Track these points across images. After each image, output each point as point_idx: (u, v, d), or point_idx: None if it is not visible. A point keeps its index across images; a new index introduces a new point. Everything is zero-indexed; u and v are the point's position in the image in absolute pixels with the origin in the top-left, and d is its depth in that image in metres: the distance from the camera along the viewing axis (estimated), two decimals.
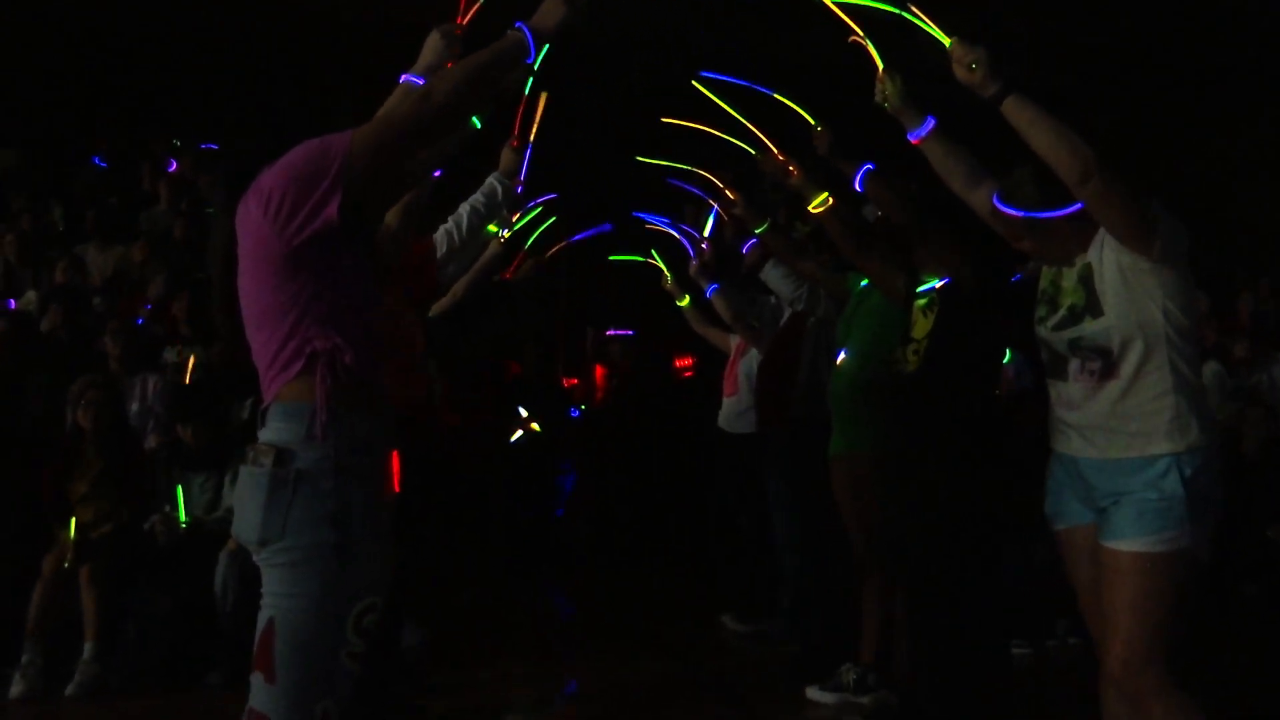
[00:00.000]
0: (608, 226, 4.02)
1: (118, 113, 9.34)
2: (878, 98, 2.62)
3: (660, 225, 4.70)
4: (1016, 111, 2.23)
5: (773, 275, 4.23)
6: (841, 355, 3.71)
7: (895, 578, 3.49)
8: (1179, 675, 2.20)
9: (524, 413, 6.82)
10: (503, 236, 3.89)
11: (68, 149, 8.90)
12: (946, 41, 2.31)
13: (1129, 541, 2.20)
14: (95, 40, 9.00)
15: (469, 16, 2.31)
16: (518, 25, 1.97)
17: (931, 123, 2.57)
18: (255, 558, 1.81)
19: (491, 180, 3.30)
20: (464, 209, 3.31)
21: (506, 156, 3.31)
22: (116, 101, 9.40)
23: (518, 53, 1.95)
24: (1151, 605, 2.17)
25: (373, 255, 1.96)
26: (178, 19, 8.75)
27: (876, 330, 3.58)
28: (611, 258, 4.97)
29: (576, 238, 4.24)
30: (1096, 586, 2.29)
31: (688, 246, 4.72)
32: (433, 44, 2.28)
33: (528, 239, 4.34)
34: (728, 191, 4.06)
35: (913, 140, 2.60)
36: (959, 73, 2.29)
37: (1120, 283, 2.26)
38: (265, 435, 1.82)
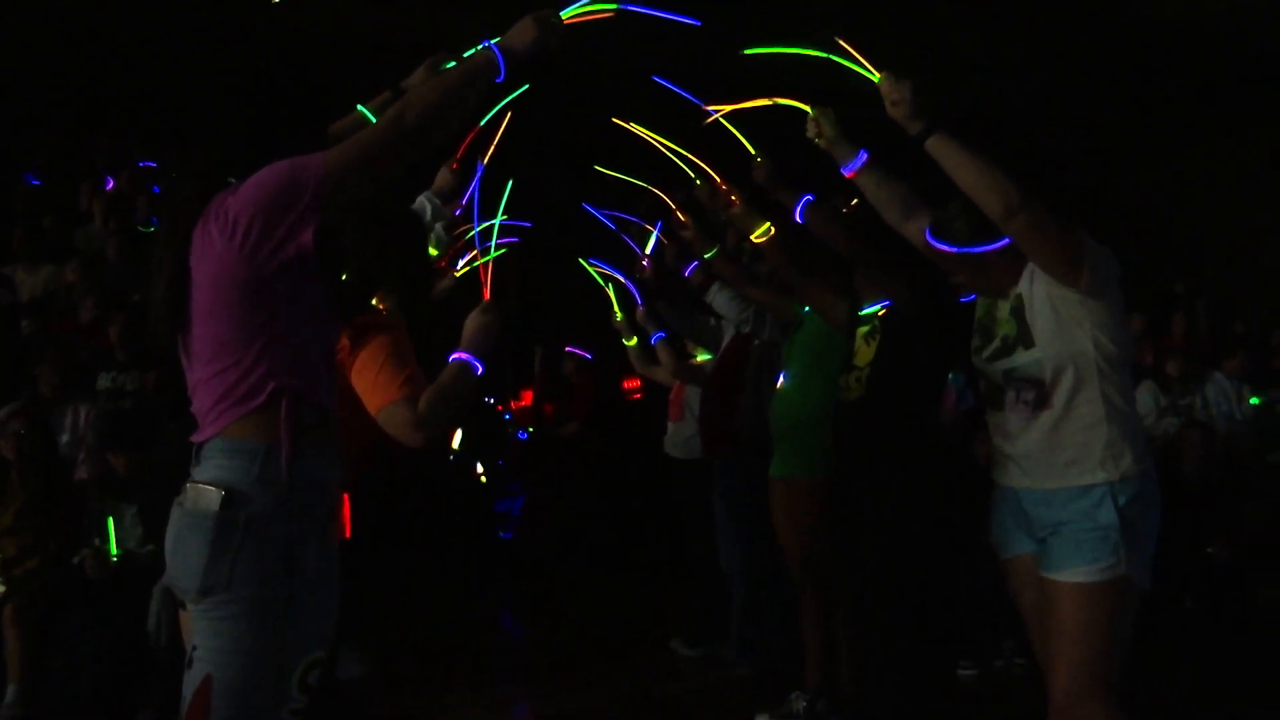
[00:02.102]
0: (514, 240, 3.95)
1: (54, 130, 9.10)
2: (810, 133, 2.64)
3: (605, 268, 4.72)
4: (941, 148, 2.25)
5: (719, 299, 4.22)
6: (781, 379, 3.73)
7: (832, 601, 3.49)
8: (1123, 701, 2.22)
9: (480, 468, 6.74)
10: (456, 272, 3.83)
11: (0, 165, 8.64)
12: (876, 78, 2.32)
13: (1067, 572, 2.22)
14: (31, 54, 8.77)
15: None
16: (487, 44, 1.93)
17: (864, 156, 2.59)
18: (191, 609, 1.67)
19: (422, 199, 3.20)
20: None
21: (442, 176, 3.23)
22: (53, 119, 9.16)
23: (488, 72, 1.90)
24: (1093, 634, 2.19)
25: (336, 284, 1.88)
26: (118, 34, 8.57)
27: (817, 355, 3.60)
28: (581, 260, 4.87)
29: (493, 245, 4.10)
30: (1042, 614, 2.31)
31: (635, 293, 4.75)
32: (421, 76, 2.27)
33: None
34: (679, 213, 4.05)
35: (846, 174, 2.62)
36: (888, 109, 2.31)
37: (1050, 314, 2.29)
38: (206, 474, 1.69)
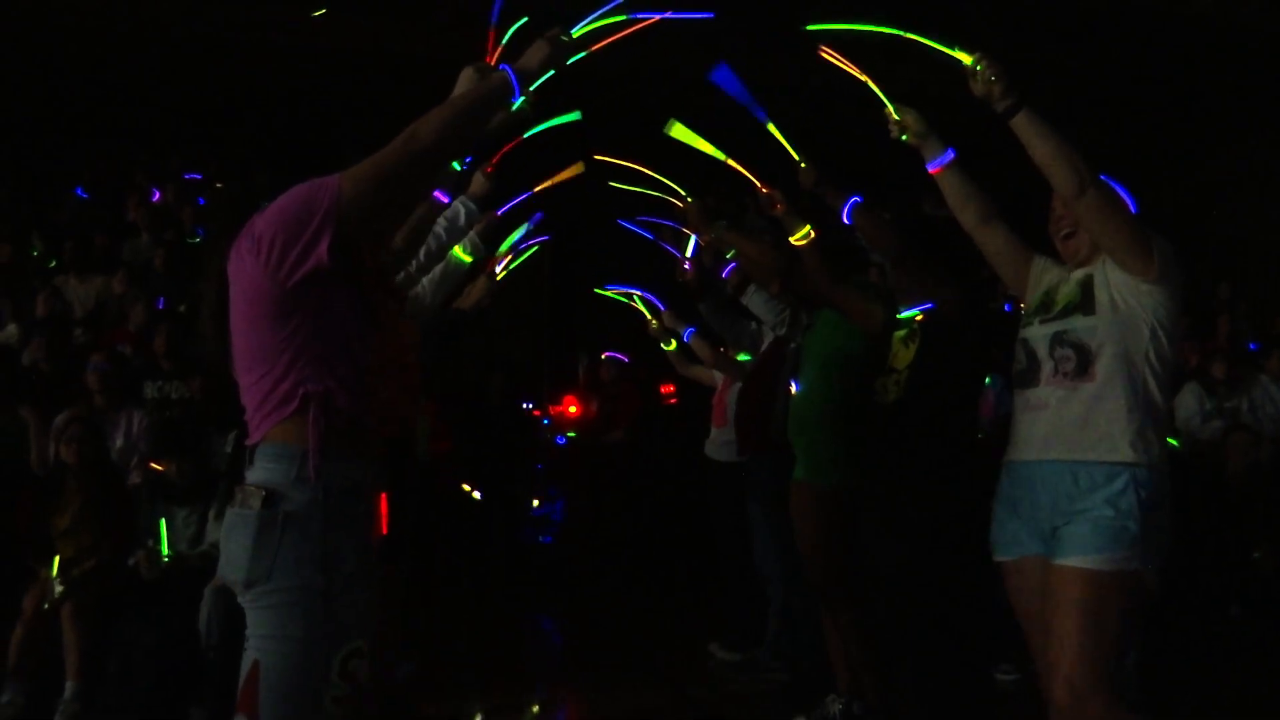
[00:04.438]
0: (546, 237, 4.03)
1: (102, 144, 9.35)
2: (894, 133, 2.65)
3: (621, 289, 4.81)
4: (1026, 124, 2.28)
5: (755, 300, 4.25)
6: (794, 385, 3.77)
7: (850, 608, 3.51)
8: (1133, 702, 2.20)
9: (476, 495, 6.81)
10: (498, 275, 3.90)
11: (49, 180, 8.89)
12: (967, 59, 2.32)
13: (1081, 558, 2.21)
14: (78, 71, 9.01)
15: (497, 55, 2.30)
16: (502, 67, 2.00)
17: (952, 153, 2.60)
18: (241, 599, 1.81)
19: (456, 203, 3.23)
20: None
21: (477, 181, 3.27)
22: (101, 132, 9.41)
23: (503, 93, 1.98)
24: (1100, 627, 2.18)
25: (374, 288, 1.96)
26: (164, 51, 8.78)
27: (826, 359, 3.64)
28: (598, 291, 5.03)
29: (522, 245, 4.18)
30: (1044, 619, 2.28)
31: (656, 301, 4.86)
32: (466, 78, 2.24)
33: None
34: (691, 222, 4.08)
35: (931, 170, 2.63)
36: (977, 86, 2.32)
37: (1118, 294, 2.32)
38: (253, 476, 1.82)
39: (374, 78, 8.40)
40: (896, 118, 2.64)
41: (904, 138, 2.64)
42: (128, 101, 9.19)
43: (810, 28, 2.62)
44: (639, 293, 4.88)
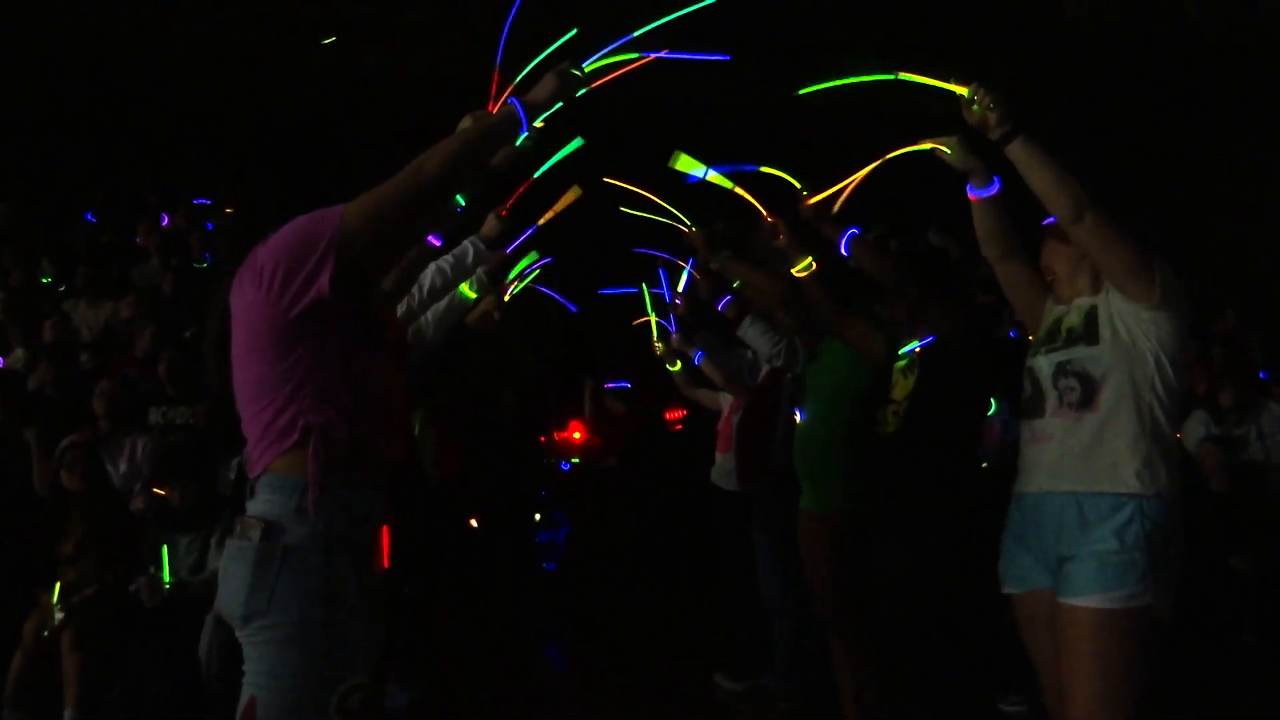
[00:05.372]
0: (573, 308, 4.11)
1: (112, 168, 9.41)
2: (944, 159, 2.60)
3: (632, 290, 4.77)
4: (1022, 151, 2.27)
5: (751, 332, 4.23)
6: (798, 415, 3.75)
7: (853, 635, 3.48)
8: None
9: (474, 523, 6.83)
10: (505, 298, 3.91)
11: (59, 204, 8.94)
12: (963, 91, 2.31)
13: (1089, 596, 2.17)
14: (89, 96, 9.09)
15: (500, 102, 2.32)
16: (510, 101, 2.00)
17: (997, 187, 2.55)
18: (238, 634, 1.77)
19: (466, 243, 3.24)
20: (431, 269, 3.22)
21: (490, 222, 3.28)
22: (110, 157, 9.47)
23: (509, 128, 1.98)
24: (1113, 664, 2.13)
25: (372, 322, 1.96)
26: (174, 76, 8.86)
27: (831, 389, 3.63)
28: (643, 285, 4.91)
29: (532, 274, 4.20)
30: (1054, 652, 2.24)
31: (670, 325, 4.81)
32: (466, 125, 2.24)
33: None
34: (698, 249, 4.07)
35: (971, 196, 2.58)
36: (970, 115, 2.30)
37: (1122, 324, 2.31)
38: (254, 508, 1.80)
39: (375, 79, 8.42)
40: (947, 150, 2.56)
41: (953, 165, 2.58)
42: (138, 127, 9.26)
43: (803, 91, 2.63)
44: (662, 295, 4.76)
